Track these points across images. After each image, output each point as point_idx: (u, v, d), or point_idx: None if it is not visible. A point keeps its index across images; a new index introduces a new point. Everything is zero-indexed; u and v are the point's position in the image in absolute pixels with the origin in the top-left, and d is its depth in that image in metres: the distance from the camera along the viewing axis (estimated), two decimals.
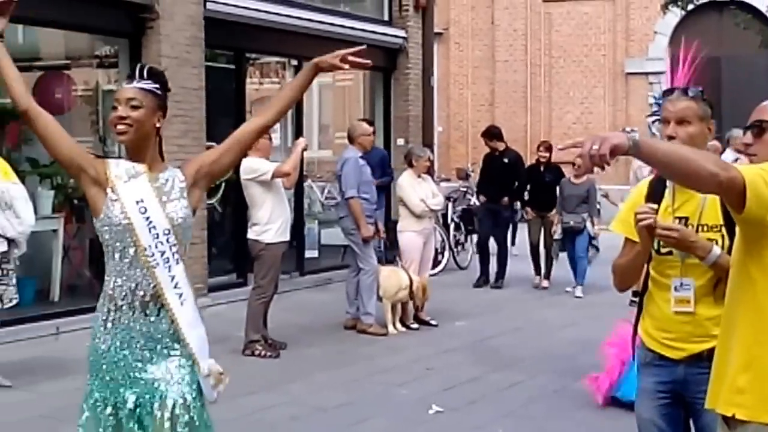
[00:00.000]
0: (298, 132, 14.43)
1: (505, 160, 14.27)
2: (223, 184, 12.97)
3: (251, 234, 9.75)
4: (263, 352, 9.57)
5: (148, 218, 3.86)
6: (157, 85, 3.96)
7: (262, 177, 9.55)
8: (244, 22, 12.64)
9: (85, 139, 12.96)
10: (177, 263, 3.88)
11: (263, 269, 9.72)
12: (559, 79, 27.71)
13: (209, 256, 12.22)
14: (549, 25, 27.86)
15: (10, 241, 8.06)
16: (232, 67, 13.46)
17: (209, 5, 11.95)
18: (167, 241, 3.86)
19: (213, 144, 12.56)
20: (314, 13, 14.21)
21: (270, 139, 9.99)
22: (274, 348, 9.73)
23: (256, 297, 9.72)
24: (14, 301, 8.32)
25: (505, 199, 14.22)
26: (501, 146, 14.40)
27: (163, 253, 3.85)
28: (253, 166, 9.59)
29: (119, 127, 3.89)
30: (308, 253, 14.69)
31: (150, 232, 3.85)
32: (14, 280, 8.30)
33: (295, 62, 14.90)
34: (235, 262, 13.27)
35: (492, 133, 14.51)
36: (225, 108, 13.06)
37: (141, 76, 3.94)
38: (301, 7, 14.08)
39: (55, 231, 11.29)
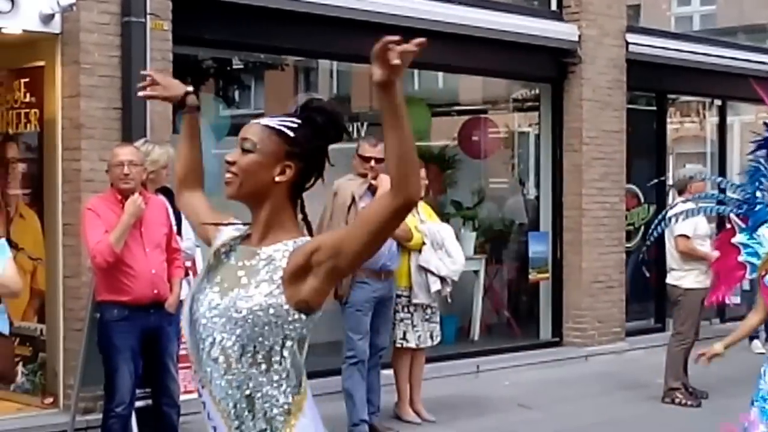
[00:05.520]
0: (721, 174, 13.98)
1: None
2: (642, 227, 12.81)
3: (670, 279, 9.57)
4: (683, 401, 9.32)
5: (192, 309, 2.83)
6: (294, 125, 2.75)
7: None
8: (667, 64, 12.43)
9: (500, 181, 13.29)
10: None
11: (682, 315, 9.50)
12: None
13: (627, 299, 12.11)
14: None
15: (442, 280, 8.33)
16: (653, 108, 13.31)
17: (631, 48, 11.87)
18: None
19: (632, 187, 12.54)
20: (736, 50, 13.73)
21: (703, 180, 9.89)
22: (695, 397, 9.45)
23: (676, 343, 9.49)
24: (438, 339, 8.62)
25: None
26: None
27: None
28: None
29: (226, 174, 2.79)
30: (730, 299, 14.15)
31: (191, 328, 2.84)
32: (438, 318, 8.61)
33: (718, 102, 14.47)
34: (653, 307, 13.06)
35: None
36: (645, 150, 12.93)
37: (294, 111, 2.81)
38: (723, 45, 13.69)
39: (476, 272, 11.57)
